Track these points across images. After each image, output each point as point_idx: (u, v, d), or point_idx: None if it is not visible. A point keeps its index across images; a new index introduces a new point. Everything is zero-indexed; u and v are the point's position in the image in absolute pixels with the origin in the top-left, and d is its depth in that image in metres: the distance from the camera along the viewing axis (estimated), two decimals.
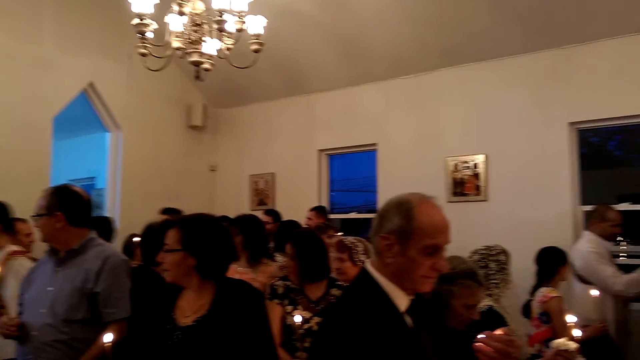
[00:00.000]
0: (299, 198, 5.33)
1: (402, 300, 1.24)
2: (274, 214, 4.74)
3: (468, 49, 4.40)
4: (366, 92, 5.13)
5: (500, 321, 2.59)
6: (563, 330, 2.81)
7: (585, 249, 3.35)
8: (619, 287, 3.23)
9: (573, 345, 1.87)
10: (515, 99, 4.26)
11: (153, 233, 2.39)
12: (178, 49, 3.32)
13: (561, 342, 1.90)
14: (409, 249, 1.21)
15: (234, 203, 5.71)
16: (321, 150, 5.51)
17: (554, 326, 2.98)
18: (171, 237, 1.72)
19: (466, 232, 3.98)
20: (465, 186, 4.54)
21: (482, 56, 4.39)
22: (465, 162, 4.53)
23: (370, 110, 5.11)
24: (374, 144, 5.10)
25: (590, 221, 3.59)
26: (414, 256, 1.21)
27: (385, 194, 4.94)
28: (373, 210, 5.08)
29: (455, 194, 4.57)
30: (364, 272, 1.30)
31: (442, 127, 4.66)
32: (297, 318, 2.31)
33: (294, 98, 5.61)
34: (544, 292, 3.04)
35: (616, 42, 3.82)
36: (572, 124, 4.03)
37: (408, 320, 1.24)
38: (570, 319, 1.94)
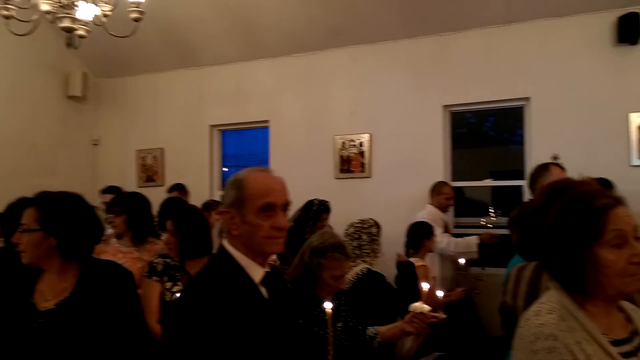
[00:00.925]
0: (190, 174, 5.21)
1: (256, 272, 1.31)
2: (179, 187, 4.69)
3: (355, 31, 4.55)
4: (258, 68, 5.11)
5: (379, 279, 2.85)
6: (427, 296, 3.12)
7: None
8: (450, 248, 3.67)
9: (427, 308, 2.10)
10: (397, 81, 4.51)
11: (12, 211, 2.22)
12: (47, 12, 3.05)
13: (417, 305, 2.12)
14: (246, 215, 1.28)
15: (120, 179, 5.43)
16: (213, 126, 5.41)
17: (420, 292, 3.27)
18: (28, 217, 1.62)
19: (352, 207, 4.22)
20: (351, 163, 4.75)
21: (368, 39, 4.57)
22: (352, 140, 4.73)
23: (262, 86, 5.10)
24: (266, 121, 5.12)
25: (430, 195, 4.06)
26: (252, 220, 1.27)
27: (277, 170, 4.97)
28: None
29: (342, 170, 4.76)
30: (221, 249, 1.35)
31: (330, 106, 4.80)
32: (178, 295, 2.30)
33: (184, 71, 5.42)
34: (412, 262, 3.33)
35: (485, 32, 4.18)
36: (446, 106, 4.37)
37: (263, 291, 1.31)
38: (425, 286, 2.17)
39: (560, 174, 2.75)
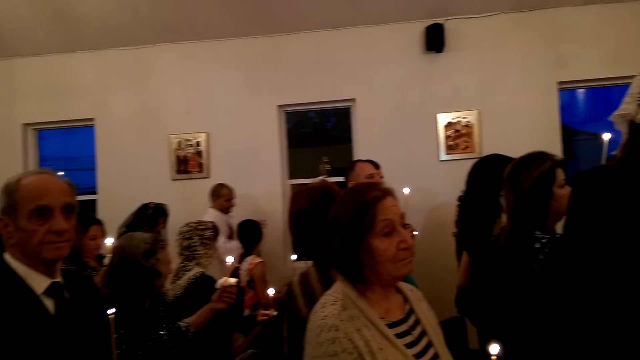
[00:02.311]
0: (2, 178, 4.55)
1: (39, 283, 1.22)
2: None
3: (186, 27, 4.40)
4: (80, 61, 4.66)
5: (210, 283, 2.79)
6: (264, 290, 3.18)
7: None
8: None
9: (232, 280, 2.19)
10: (232, 80, 4.47)
11: None
12: None
13: (222, 281, 2.21)
14: (19, 220, 1.21)
15: None
16: (27, 125, 4.80)
17: (257, 289, 3.31)
18: None
19: (191, 209, 4.10)
20: (188, 164, 4.60)
21: (200, 35, 4.46)
22: (188, 140, 4.58)
23: (84, 81, 4.67)
24: (91, 119, 4.69)
25: (211, 199, 4.05)
26: (25, 226, 1.21)
27: (105, 172, 4.64)
28: (94, 191, 4.72)
29: (179, 171, 4.58)
30: (0, 260, 1.24)
31: (164, 104, 4.59)
32: None
33: None
34: (248, 260, 3.34)
35: (314, 35, 4.36)
36: (281, 106, 4.47)
37: (49, 303, 1.22)
38: (229, 260, 2.27)
39: (364, 170, 2.97)
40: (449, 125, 4.17)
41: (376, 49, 4.27)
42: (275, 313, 2.58)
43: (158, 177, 4.52)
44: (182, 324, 2.13)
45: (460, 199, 2.73)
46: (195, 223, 2.96)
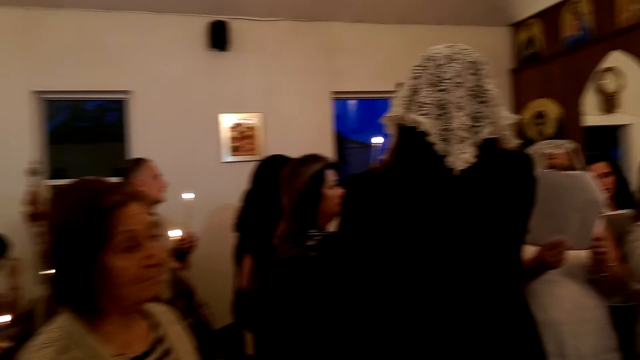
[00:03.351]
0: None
1: None
2: None
3: None
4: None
5: None
6: None
7: None
8: None
9: None
10: None
11: None
12: None
13: None
14: None
15: None
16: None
17: None
18: None
19: None
20: None
21: None
22: None
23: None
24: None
25: None
26: None
27: None
28: None
29: None
30: None
31: None
32: None
33: None
34: None
35: (81, 14, 3.78)
36: (35, 92, 3.74)
37: None
38: None
39: (153, 170, 2.70)
40: (234, 126, 4.08)
41: (156, 39, 3.93)
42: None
43: None
44: None
45: (243, 199, 2.65)
46: None
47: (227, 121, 4.07)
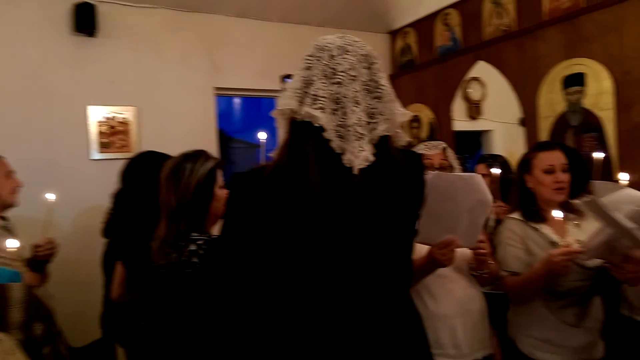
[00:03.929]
0: None
1: None
2: None
3: None
4: None
5: None
6: None
7: None
8: None
9: None
10: None
11: None
12: None
13: None
14: None
15: None
16: None
17: None
18: None
19: None
20: None
21: None
22: None
23: None
24: None
25: None
26: None
27: None
28: None
29: None
30: None
31: None
32: None
33: None
34: None
35: None
36: None
37: None
38: None
39: (1, 168, 2.34)
40: (104, 120, 3.71)
41: (7, 17, 3.43)
42: None
43: None
44: None
45: (113, 201, 2.39)
46: None
47: (96, 114, 3.69)
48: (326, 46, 1.20)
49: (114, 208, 2.36)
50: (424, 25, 4.62)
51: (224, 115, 7.16)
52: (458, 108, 5.27)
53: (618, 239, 1.67)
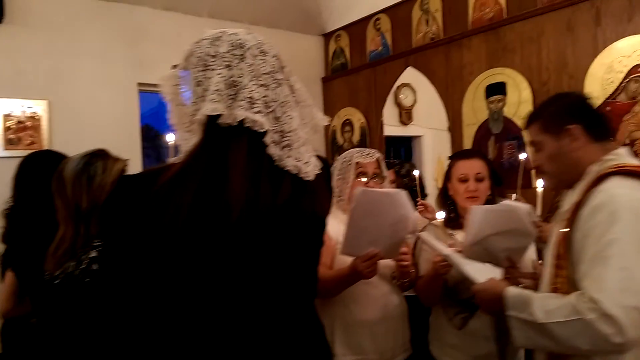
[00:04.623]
0: None
1: None
2: None
3: None
4: None
5: None
6: None
7: None
8: None
9: None
10: None
11: None
12: None
13: None
14: None
15: None
16: None
17: None
18: None
19: None
20: None
21: None
22: None
23: None
24: None
25: None
26: None
27: None
28: None
29: None
30: None
31: None
32: None
33: None
34: None
35: None
36: None
37: None
38: None
39: None
40: (9, 114, 3.40)
41: None
42: None
43: None
44: None
45: (9, 206, 2.17)
46: None
47: (2, 108, 3.37)
48: (243, 43, 1.08)
49: (10, 211, 2.14)
50: (356, 29, 4.63)
51: (157, 113, 6.84)
52: (390, 113, 5.35)
53: (489, 242, 1.74)
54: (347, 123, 4.79)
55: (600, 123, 1.42)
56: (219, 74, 1.04)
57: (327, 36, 4.95)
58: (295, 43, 4.71)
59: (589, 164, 1.36)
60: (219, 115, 1.02)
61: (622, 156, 1.35)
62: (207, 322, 0.99)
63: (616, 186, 1.24)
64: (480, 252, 1.72)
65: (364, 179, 1.99)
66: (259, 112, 1.02)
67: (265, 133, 1.02)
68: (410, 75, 4.27)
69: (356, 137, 4.71)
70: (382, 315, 1.94)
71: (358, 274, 1.72)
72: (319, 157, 1.19)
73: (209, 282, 0.98)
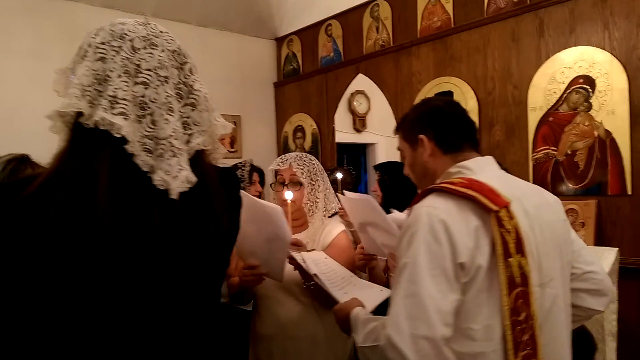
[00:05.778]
0: None
1: None
2: None
3: None
4: None
5: None
6: None
7: None
8: None
9: None
10: None
11: None
12: None
13: None
14: None
15: None
16: None
17: None
18: None
19: None
20: None
21: None
22: None
23: None
24: None
25: None
26: None
27: None
28: None
29: None
30: None
31: None
32: None
33: None
34: None
35: None
36: None
37: None
38: None
39: None
40: None
41: None
42: None
43: None
44: None
45: None
46: None
47: None
48: (126, 34, 0.93)
49: None
50: (309, 35, 4.56)
51: None
52: (344, 120, 5.29)
53: (370, 233, 1.80)
54: (299, 129, 4.70)
55: (451, 133, 1.31)
56: (86, 66, 0.91)
57: (280, 40, 4.86)
58: (247, 46, 4.60)
59: (440, 175, 1.29)
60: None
61: (469, 170, 1.24)
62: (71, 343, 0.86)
63: (427, 204, 1.14)
64: (371, 243, 1.81)
65: (280, 186, 1.96)
66: (121, 113, 0.89)
67: (126, 139, 0.89)
68: (364, 82, 4.22)
69: (308, 143, 4.62)
70: (281, 332, 1.83)
71: (242, 284, 1.77)
72: (223, 169, 1.08)
73: (74, 298, 0.85)
